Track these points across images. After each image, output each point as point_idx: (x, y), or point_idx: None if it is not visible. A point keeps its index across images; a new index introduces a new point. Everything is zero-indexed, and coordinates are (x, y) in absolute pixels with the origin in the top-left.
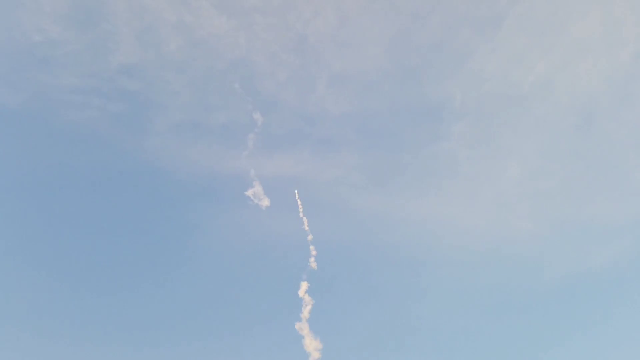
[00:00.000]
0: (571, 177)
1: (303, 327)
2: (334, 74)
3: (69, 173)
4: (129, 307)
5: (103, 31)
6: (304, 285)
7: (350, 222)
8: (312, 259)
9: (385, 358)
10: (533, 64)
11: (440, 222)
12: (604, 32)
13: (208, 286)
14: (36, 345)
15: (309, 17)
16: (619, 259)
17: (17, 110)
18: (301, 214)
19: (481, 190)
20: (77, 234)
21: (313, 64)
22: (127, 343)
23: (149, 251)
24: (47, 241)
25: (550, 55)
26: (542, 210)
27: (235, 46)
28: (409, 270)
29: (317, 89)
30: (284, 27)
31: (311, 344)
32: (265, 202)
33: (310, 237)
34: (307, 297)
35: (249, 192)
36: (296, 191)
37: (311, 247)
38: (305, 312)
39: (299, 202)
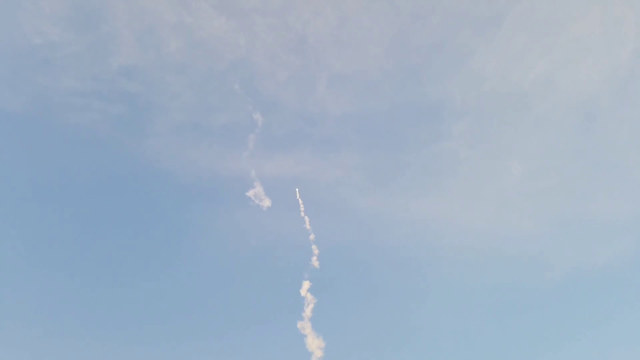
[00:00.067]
0: (572, 175)
1: (305, 326)
2: (334, 74)
3: (70, 175)
4: (131, 307)
5: (103, 33)
6: (306, 284)
7: (351, 222)
8: (315, 258)
9: (387, 357)
10: (533, 63)
11: (441, 222)
12: (604, 30)
13: (210, 286)
14: (38, 343)
15: (309, 17)
16: (621, 258)
17: (17, 113)
18: (302, 213)
19: (482, 189)
20: (78, 235)
21: (313, 64)
22: (129, 342)
23: (151, 252)
24: (49, 243)
25: (551, 54)
26: (543, 209)
27: (235, 47)
28: (411, 270)
29: (318, 89)
30: (284, 28)
31: (314, 343)
32: (266, 203)
33: (312, 237)
34: (309, 296)
35: (250, 193)
36: (297, 189)
37: (313, 247)
38: (308, 311)
39: (300, 201)
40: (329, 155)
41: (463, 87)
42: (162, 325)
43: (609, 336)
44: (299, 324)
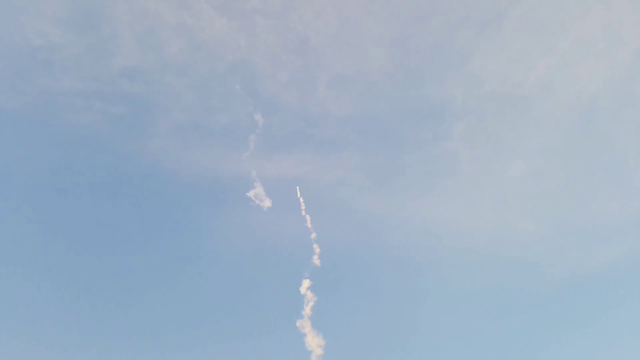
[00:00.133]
0: (573, 176)
1: (305, 325)
2: (335, 75)
3: (71, 176)
4: (132, 306)
5: (104, 34)
6: (305, 283)
7: (352, 222)
8: (316, 257)
9: (386, 356)
10: (534, 64)
11: (441, 222)
12: (604, 32)
13: (210, 286)
14: (38, 350)
15: (310, 18)
16: (621, 259)
17: (18, 114)
18: (303, 212)
19: (483, 190)
20: (79, 237)
21: (314, 65)
22: (129, 341)
23: (152, 252)
24: (49, 244)
25: (551, 55)
26: (544, 210)
27: (236, 48)
28: (411, 270)
29: (318, 90)
30: (285, 29)
31: (313, 341)
32: (267, 203)
33: (313, 235)
34: (309, 294)
35: (251, 193)
36: (298, 187)
37: (315, 246)
38: (307, 310)
39: (301, 200)
40: (330, 156)
41: (463, 88)
42: (162, 324)
43: (609, 337)
44: (299, 323)
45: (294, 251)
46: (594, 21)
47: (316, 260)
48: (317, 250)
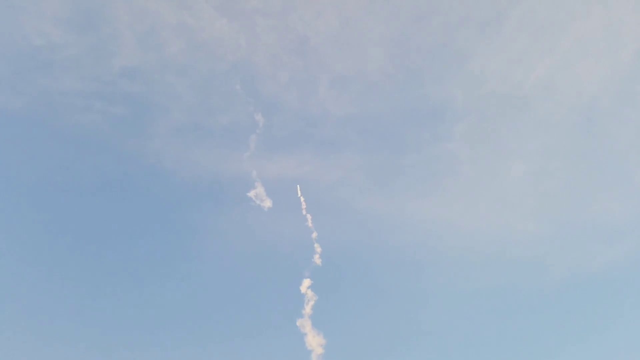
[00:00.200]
0: (574, 177)
1: (305, 324)
2: (336, 76)
3: (71, 176)
4: (132, 305)
5: (104, 34)
6: (306, 282)
7: (353, 223)
8: (317, 256)
9: (387, 356)
10: (534, 64)
11: (442, 222)
12: (605, 32)
13: (210, 286)
14: (40, 348)
15: (310, 18)
16: (623, 259)
17: (18, 114)
18: (304, 211)
19: (483, 190)
20: (80, 237)
21: (314, 65)
22: (130, 340)
23: (152, 253)
24: (50, 245)
25: (552, 56)
26: (545, 210)
27: (236, 48)
28: (412, 270)
29: (319, 91)
30: (285, 29)
31: (314, 340)
32: (267, 203)
33: (315, 235)
34: (309, 293)
35: (251, 194)
36: (298, 186)
37: (316, 245)
38: (308, 309)
39: (302, 199)
40: (330, 156)
41: (464, 88)
42: (162, 323)
43: (610, 338)
44: (299, 322)
45: (295, 251)
46: (594, 21)
47: (317, 259)
48: (319, 249)
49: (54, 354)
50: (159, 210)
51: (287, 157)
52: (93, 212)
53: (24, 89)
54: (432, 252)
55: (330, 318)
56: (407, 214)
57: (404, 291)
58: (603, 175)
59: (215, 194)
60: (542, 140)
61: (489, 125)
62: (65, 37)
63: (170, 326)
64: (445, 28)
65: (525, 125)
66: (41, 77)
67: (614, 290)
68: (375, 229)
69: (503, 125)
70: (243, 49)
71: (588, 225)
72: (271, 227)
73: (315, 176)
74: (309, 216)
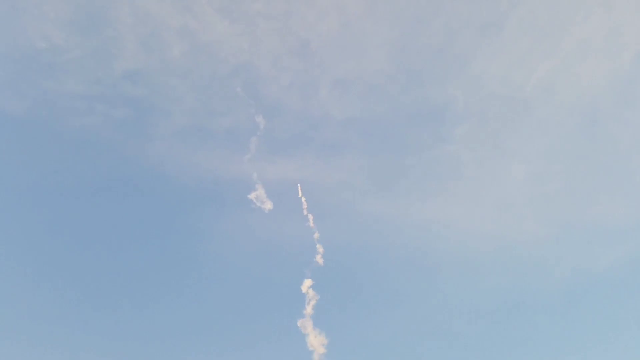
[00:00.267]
0: (575, 178)
1: (306, 324)
2: (337, 78)
3: (73, 179)
4: (135, 308)
5: (107, 37)
6: (307, 282)
7: (354, 224)
8: (319, 256)
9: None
10: (535, 66)
11: (444, 225)
12: (605, 34)
13: (211, 287)
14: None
15: (312, 21)
16: (625, 261)
17: (21, 117)
18: (305, 211)
19: (485, 192)
20: (82, 239)
21: (316, 68)
22: (132, 342)
23: (154, 254)
24: (52, 247)
25: (553, 58)
26: (546, 212)
27: (238, 51)
28: (413, 271)
29: (320, 93)
30: (287, 32)
31: (315, 340)
32: (268, 206)
33: (317, 235)
34: (311, 293)
35: (252, 196)
36: (299, 185)
37: (318, 246)
38: (309, 309)
39: (303, 199)
40: (332, 159)
41: (465, 90)
42: (164, 325)
43: (612, 339)
44: (300, 322)
45: (295, 251)
46: (595, 23)
47: (319, 259)
48: (321, 250)
49: (55, 358)
50: (160, 212)
51: (288, 160)
52: (94, 214)
53: (27, 91)
54: (433, 253)
55: (331, 318)
56: (409, 215)
57: (405, 291)
58: (605, 176)
59: (216, 196)
60: (543, 142)
61: (490, 127)
62: (68, 40)
63: (173, 328)
64: (446, 30)
65: (527, 127)
66: (44, 80)
67: (617, 291)
68: (376, 230)
69: (504, 127)
70: (245, 51)
71: (590, 226)
72: (272, 228)
73: (317, 178)
74: (310, 216)
